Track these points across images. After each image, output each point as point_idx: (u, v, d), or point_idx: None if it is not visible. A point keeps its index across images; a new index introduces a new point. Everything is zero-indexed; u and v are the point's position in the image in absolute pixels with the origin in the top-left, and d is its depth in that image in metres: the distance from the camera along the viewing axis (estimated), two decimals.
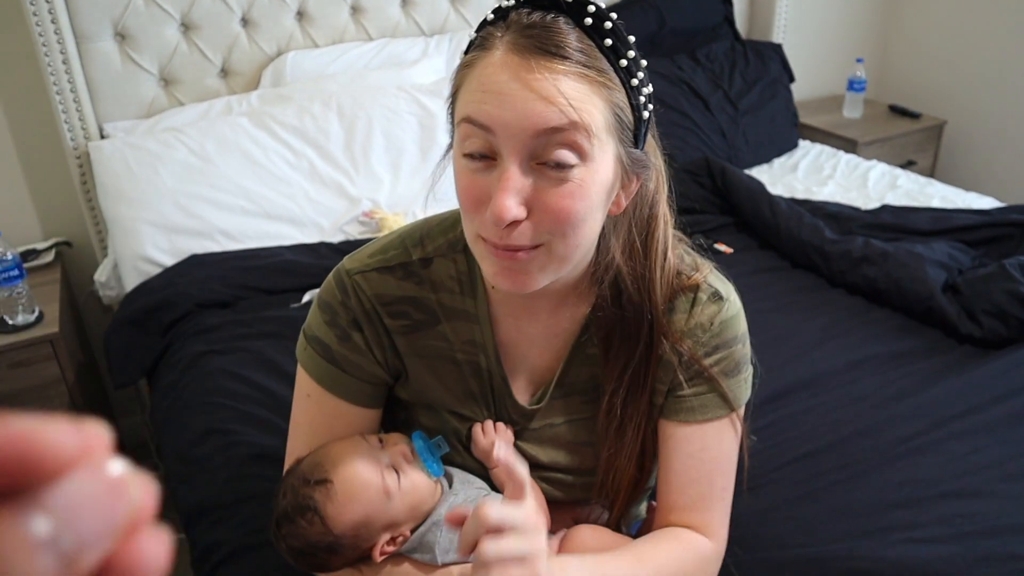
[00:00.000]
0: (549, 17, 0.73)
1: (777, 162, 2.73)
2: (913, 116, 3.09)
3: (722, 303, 0.91)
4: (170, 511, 2.16)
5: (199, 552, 1.30)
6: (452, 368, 0.95)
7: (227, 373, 1.60)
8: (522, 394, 0.97)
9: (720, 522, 0.94)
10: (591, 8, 0.74)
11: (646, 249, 0.88)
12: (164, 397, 1.66)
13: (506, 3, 0.77)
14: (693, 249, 0.96)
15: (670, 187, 0.90)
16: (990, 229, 2.03)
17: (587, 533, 0.95)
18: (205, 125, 2.07)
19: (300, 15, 2.29)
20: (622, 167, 0.79)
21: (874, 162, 2.64)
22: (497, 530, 0.71)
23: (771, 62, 2.79)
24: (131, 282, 1.92)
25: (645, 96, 0.78)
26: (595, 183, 0.75)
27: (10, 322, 1.83)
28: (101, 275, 2.03)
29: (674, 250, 0.91)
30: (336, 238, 2.06)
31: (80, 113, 2.03)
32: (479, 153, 0.75)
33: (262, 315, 1.80)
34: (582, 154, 0.73)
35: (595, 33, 0.74)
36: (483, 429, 0.96)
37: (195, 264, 1.91)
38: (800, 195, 2.41)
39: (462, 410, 0.97)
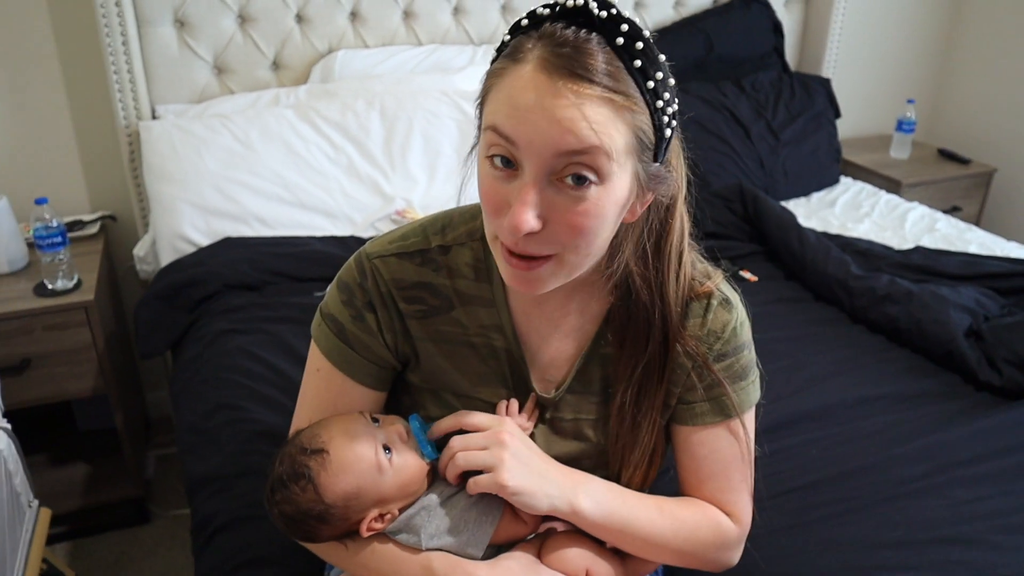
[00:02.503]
0: (581, 34, 0.74)
1: (816, 196, 2.71)
2: (963, 161, 3.04)
3: (733, 310, 0.95)
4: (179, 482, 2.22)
5: (198, 521, 1.34)
6: (468, 352, 0.98)
7: (245, 352, 1.65)
8: (536, 384, 0.99)
9: (742, 508, 0.99)
10: (624, 28, 0.74)
11: (659, 252, 0.91)
12: (184, 370, 1.71)
13: (541, 10, 0.78)
14: (704, 257, 0.99)
15: (688, 190, 0.91)
16: (1023, 278, 2.00)
17: (564, 539, 0.96)
18: (252, 114, 2.14)
19: (353, 15, 2.36)
20: (638, 183, 0.81)
21: (914, 204, 2.61)
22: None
23: (817, 96, 2.78)
24: (167, 258, 1.99)
25: (669, 115, 0.79)
26: (610, 202, 0.78)
27: (50, 286, 1.91)
28: (140, 250, 2.10)
29: (688, 256, 0.93)
30: (367, 233, 2.11)
31: (135, 94, 2.11)
32: (502, 161, 0.78)
33: (286, 300, 1.85)
34: (600, 175, 0.76)
35: (625, 54, 0.74)
36: (507, 408, 0.97)
37: (228, 246, 1.97)
38: (834, 230, 2.39)
39: (478, 394, 0.99)
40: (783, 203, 2.46)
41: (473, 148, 0.88)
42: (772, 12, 2.80)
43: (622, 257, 0.89)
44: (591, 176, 0.75)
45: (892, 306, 1.84)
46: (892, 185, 2.85)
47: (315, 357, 1.00)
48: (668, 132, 0.80)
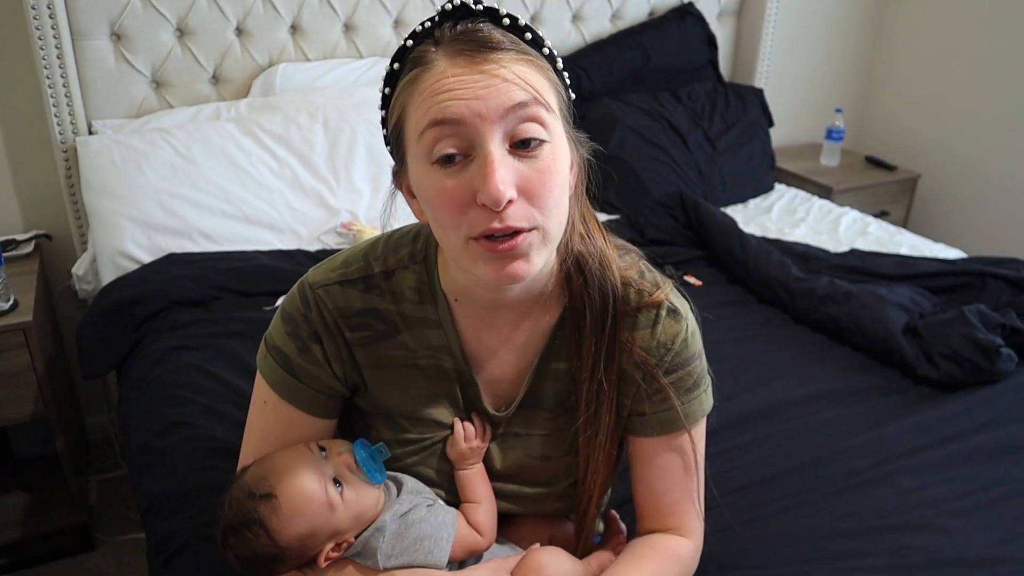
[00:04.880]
0: (471, 24, 0.80)
1: (752, 202, 2.79)
2: (889, 168, 3.17)
3: (682, 320, 0.96)
4: (132, 505, 2.16)
5: (155, 542, 1.30)
6: (415, 374, 0.97)
7: (196, 368, 1.62)
8: (486, 401, 1.00)
9: (694, 520, 1.01)
10: (503, 11, 0.82)
11: (589, 231, 0.94)
12: (132, 389, 1.67)
13: (421, 26, 0.82)
14: (654, 267, 1.00)
15: (588, 178, 0.94)
16: (953, 277, 2.09)
17: (545, 557, 0.96)
18: (193, 128, 2.10)
19: (294, 28, 2.34)
20: (571, 143, 0.85)
21: (847, 208, 2.71)
22: None
23: (751, 106, 2.86)
24: (108, 276, 1.93)
25: (567, 81, 0.86)
26: (561, 159, 0.82)
27: None
28: (79, 268, 2.04)
29: (630, 265, 0.97)
30: (313, 247, 2.09)
31: (71, 108, 2.05)
32: (455, 153, 0.77)
33: (234, 315, 1.82)
34: (547, 128, 0.79)
35: (515, 29, 0.81)
36: (464, 433, 0.98)
37: (172, 262, 1.92)
38: (772, 235, 2.46)
39: (428, 415, 0.98)
40: (722, 210, 2.53)
41: (392, 191, 0.90)
42: (706, 25, 2.88)
43: (572, 232, 0.91)
44: (540, 132, 0.78)
45: (833, 306, 1.90)
46: (824, 191, 2.96)
47: (262, 389, 0.99)
48: (570, 96, 0.87)
